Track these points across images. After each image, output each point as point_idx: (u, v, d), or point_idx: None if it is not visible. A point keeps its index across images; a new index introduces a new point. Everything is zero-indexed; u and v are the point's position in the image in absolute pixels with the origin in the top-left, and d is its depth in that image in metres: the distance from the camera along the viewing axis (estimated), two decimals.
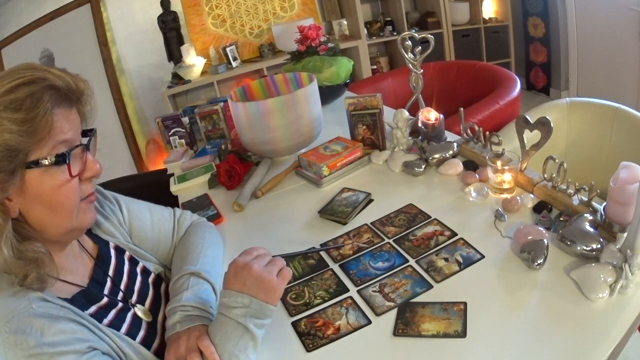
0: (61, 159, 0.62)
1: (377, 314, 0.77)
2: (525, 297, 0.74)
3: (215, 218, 1.16)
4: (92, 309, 0.69)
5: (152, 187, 1.60)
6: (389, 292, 0.81)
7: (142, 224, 0.90)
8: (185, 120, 1.67)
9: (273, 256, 0.75)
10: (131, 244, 0.87)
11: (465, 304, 0.74)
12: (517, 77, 2.36)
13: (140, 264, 0.85)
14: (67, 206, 0.65)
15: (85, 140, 0.69)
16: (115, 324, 0.70)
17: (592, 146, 1.74)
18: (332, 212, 1.08)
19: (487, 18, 3.83)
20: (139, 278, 0.83)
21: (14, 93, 0.59)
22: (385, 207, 1.06)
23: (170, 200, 1.34)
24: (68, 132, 0.64)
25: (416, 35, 1.35)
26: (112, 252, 0.82)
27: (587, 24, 3.18)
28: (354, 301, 0.81)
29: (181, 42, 3.36)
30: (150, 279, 0.85)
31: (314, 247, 0.98)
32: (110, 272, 0.78)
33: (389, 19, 3.85)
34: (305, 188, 1.25)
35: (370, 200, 1.11)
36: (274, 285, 0.70)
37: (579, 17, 3.22)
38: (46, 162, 0.61)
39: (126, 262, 0.83)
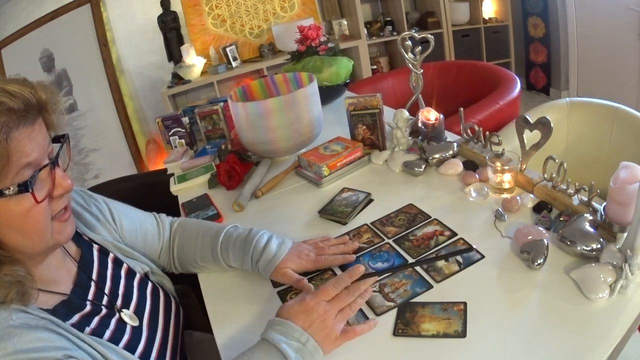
0: (23, 188, 0.58)
1: (377, 314, 0.77)
2: (525, 297, 0.74)
3: (215, 218, 1.16)
4: (75, 318, 0.68)
5: (152, 187, 1.60)
6: (389, 292, 0.81)
7: (131, 220, 0.93)
8: (185, 120, 1.67)
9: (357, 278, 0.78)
10: (121, 242, 0.88)
11: (465, 304, 0.74)
12: (517, 77, 2.36)
13: (125, 266, 0.85)
14: (38, 229, 0.62)
15: (55, 151, 0.66)
16: (98, 332, 0.69)
17: (592, 146, 1.74)
18: (332, 212, 1.08)
19: (487, 18, 3.83)
20: (122, 281, 0.82)
21: None
22: (385, 207, 1.06)
23: (170, 201, 1.34)
24: (32, 153, 0.59)
25: (416, 35, 1.35)
26: (95, 254, 0.81)
27: (587, 24, 3.18)
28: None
29: (181, 42, 3.36)
30: (136, 281, 0.85)
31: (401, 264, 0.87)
32: (94, 276, 0.77)
33: (389, 19, 3.85)
34: (305, 188, 1.25)
35: (370, 200, 1.11)
36: (334, 339, 0.70)
37: (579, 17, 3.22)
38: (9, 192, 0.57)
39: (109, 265, 0.82)
